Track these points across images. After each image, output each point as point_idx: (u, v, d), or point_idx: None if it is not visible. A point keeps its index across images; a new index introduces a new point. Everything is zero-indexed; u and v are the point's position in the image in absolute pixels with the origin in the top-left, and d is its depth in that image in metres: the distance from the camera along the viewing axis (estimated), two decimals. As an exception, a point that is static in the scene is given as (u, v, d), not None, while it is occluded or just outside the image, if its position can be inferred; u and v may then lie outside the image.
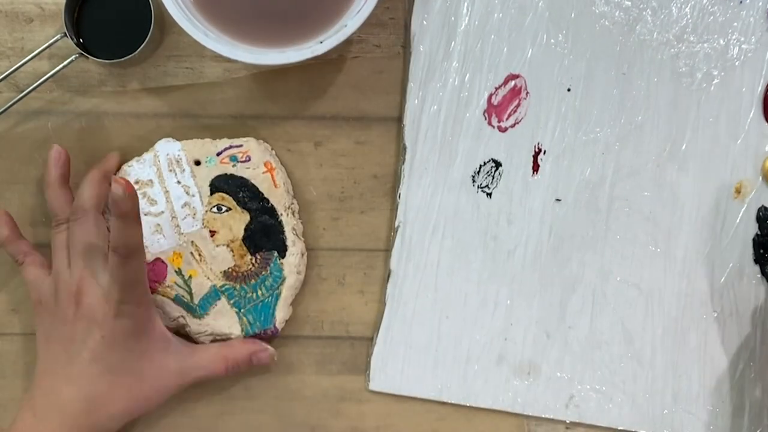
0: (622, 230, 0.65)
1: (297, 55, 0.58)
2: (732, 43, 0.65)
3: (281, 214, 0.64)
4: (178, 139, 0.65)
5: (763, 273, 0.65)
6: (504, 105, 0.65)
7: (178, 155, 0.64)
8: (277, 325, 0.64)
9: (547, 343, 0.65)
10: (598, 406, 0.65)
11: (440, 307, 0.66)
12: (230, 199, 0.64)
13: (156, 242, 0.64)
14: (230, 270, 0.64)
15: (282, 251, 0.64)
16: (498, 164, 0.65)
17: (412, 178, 0.65)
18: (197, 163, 0.64)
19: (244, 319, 0.64)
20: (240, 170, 0.64)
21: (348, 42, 0.62)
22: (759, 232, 0.65)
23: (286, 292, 0.64)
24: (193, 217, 0.64)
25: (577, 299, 0.65)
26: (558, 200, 0.66)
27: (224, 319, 0.64)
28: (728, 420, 0.65)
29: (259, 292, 0.64)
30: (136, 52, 0.62)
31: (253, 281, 0.64)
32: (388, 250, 0.66)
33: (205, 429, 0.66)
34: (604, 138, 0.65)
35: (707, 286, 0.66)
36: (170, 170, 0.64)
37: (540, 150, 0.66)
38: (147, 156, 0.64)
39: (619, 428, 0.65)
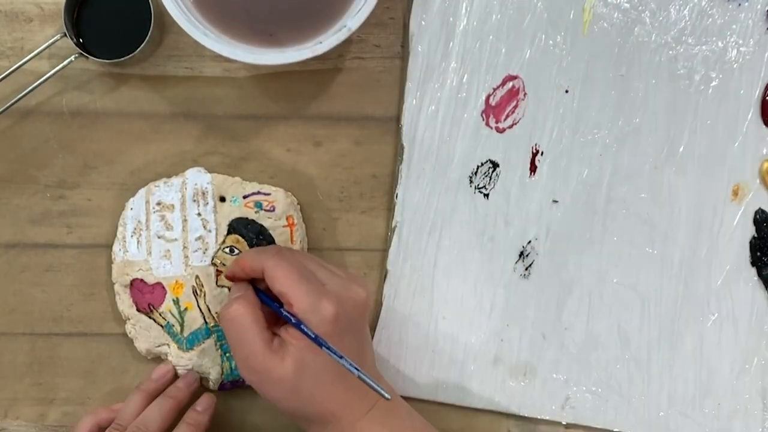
0: (619, 232, 0.65)
1: (297, 55, 0.58)
2: (730, 45, 0.65)
3: None
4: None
5: (759, 276, 0.65)
6: (502, 106, 0.65)
7: (206, 188, 0.64)
8: None
9: (544, 344, 0.66)
10: (594, 408, 0.65)
11: (437, 308, 0.66)
12: (245, 243, 0.64)
13: (162, 267, 0.63)
14: None
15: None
16: (495, 165, 0.65)
17: (410, 178, 0.65)
18: (222, 199, 0.64)
19: (227, 363, 0.64)
20: (262, 218, 0.64)
21: (348, 42, 0.62)
22: (756, 235, 0.65)
23: None
24: (204, 253, 0.64)
25: (574, 301, 0.65)
26: (555, 202, 0.66)
27: (207, 359, 0.64)
28: (724, 422, 0.65)
29: None
30: (136, 52, 0.62)
31: None
32: (387, 250, 0.66)
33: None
34: (602, 140, 0.65)
35: (704, 289, 0.65)
36: (194, 200, 0.63)
37: (537, 151, 0.66)
38: (176, 180, 0.64)
39: (615, 430, 0.65)
